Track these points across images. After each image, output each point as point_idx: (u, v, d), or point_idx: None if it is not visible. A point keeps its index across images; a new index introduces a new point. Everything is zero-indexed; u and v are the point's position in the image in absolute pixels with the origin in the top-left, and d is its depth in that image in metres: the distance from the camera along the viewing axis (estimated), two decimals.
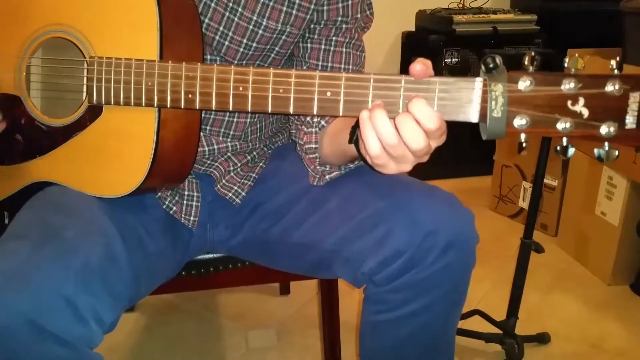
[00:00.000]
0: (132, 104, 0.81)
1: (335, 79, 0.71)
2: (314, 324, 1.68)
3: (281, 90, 0.73)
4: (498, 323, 1.56)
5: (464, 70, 2.66)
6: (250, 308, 1.76)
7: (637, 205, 1.82)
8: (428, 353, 0.94)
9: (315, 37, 0.99)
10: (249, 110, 0.75)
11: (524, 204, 2.31)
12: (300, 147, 0.99)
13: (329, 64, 1.00)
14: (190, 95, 0.77)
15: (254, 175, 1.06)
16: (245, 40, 0.96)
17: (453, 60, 2.61)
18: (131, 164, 0.84)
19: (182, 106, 0.78)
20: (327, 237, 0.93)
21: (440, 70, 2.64)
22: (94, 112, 0.86)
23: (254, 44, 0.97)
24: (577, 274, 1.98)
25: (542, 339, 1.60)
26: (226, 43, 0.96)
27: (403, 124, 0.67)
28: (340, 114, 0.72)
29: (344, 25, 0.99)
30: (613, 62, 0.64)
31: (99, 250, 0.77)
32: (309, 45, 1.00)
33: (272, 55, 1.00)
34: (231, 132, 1.04)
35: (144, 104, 0.81)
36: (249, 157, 1.07)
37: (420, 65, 0.67)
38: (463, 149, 2.56)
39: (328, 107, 0.72)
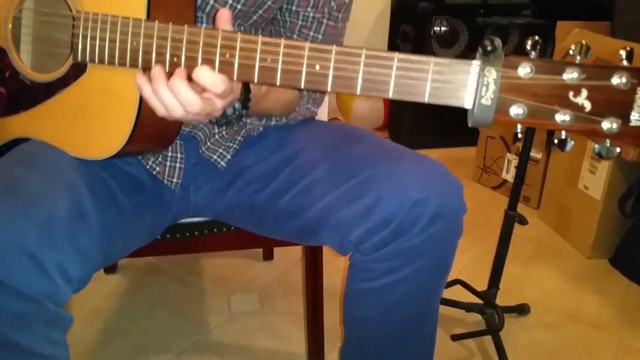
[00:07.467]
0: (116, 63, 0.78)
1: (325, 52, 0.68)
2: (296, 290, 1.69)
3: (269, 60, 0.70)
4: (479, 293, 1.57)
5: (452, 40, 2.64)
6: (233, 273, 1.77)
7: (620, 180, 1.83)
8: (412, 321, 0.95)
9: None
10: (235, 79, 0.73)
11: (508, 175, 2.32)
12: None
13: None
14: (175, 59, 0.74)
15: (239, 138, 1.04)
16: (230, 1, 0.93)
17: (442, 29, 2.59)
18: (113, 127, 0.82)
19: (167, 69, 0.76)
20: (314, 204, 0.93)
21: (428, 39, 2.62)
22: (78, 70, 0.83)
23: (239, 6, 0.94)
24: (557, 246, 2.01)
25: (521, 309, 1.63)
26: (211, 2, 0.93)
27: (179, 92, 0.72)
28: (329, 89, 0.69)
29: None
30: (622, 52, 0.58)
31: (65, 204, 0.75)
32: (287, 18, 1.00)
33: (255, 17, 0.98)
34: None
35: (128, 65, 0.78)
36: None
37: None
38: (448, 119, 2.56)
39: (316, 80, 0.69)
